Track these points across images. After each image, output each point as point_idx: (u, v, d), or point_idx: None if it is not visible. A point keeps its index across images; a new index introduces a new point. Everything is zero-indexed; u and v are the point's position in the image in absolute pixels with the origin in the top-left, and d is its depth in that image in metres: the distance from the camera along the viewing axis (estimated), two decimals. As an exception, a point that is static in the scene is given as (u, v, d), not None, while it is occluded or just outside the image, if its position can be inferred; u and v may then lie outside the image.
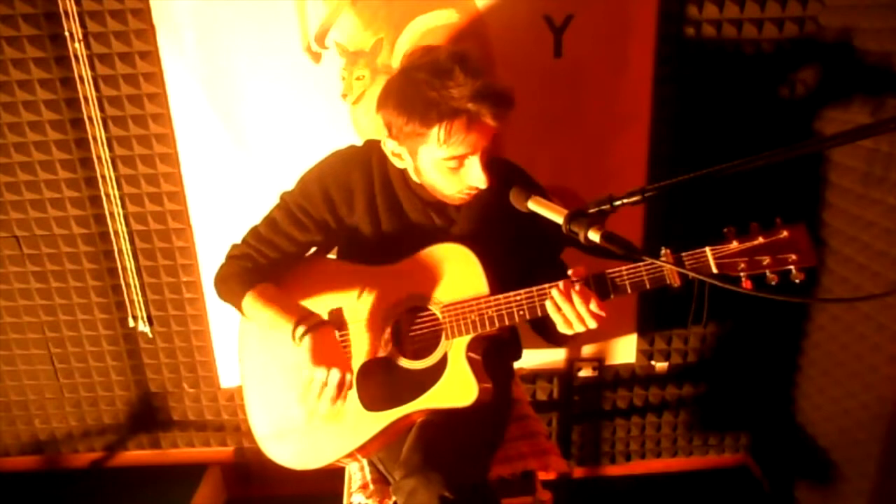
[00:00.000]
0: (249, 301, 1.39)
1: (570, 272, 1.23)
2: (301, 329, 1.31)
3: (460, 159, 1.25)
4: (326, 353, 1.30)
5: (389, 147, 1.33)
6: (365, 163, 1.41)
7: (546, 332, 1.42)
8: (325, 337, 1.32)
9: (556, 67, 1.83)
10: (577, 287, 1.20)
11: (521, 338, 1.69)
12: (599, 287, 1.22)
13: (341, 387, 1.29)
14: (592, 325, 1.20)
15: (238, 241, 1.47)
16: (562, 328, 1.23)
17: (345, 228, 1.44)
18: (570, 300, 1.20)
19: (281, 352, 1.46)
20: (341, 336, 1.43)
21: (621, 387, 2.29)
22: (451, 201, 1.36)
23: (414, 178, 1.37)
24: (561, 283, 1.22)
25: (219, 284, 1.46)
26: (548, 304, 1.23)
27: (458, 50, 1.25)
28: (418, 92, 1.21)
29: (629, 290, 1.21)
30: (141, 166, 1.95)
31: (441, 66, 1.21)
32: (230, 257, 1.46)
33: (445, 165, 1.26)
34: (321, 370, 1.27)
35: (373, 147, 1.44)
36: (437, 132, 1.20)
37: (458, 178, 1.29)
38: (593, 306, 1.19)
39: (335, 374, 1.27)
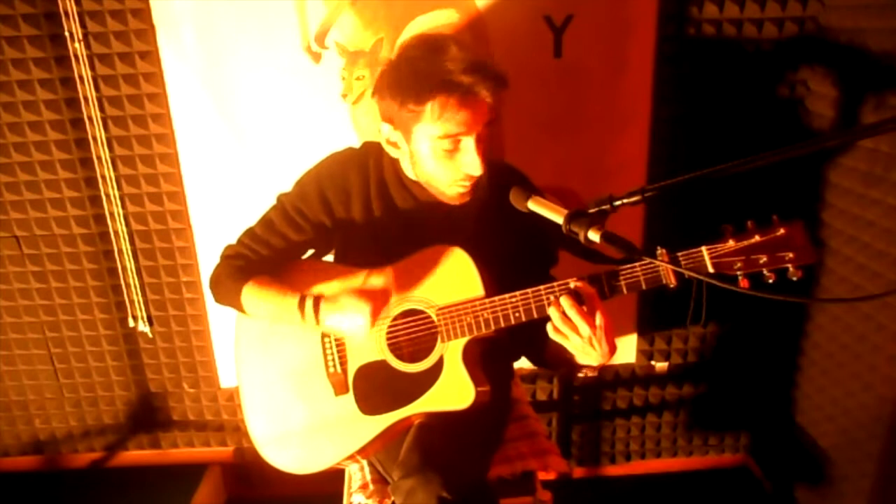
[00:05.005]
0: (247, 292, 1.39)
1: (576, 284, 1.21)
2: (309, 302, 1.33)
3: (455, 140, 1.23)
4: (350, 293, 1.32)
5: (385, 133, 1.32)
6: (362, 165, 1.41)
7: (539, 356, 1.43)
8: (332, 296, 1.34)
9: (556, 67, 1.82)
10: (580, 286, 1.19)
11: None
12: (596, 287, 1.21)
13: (388, 289, 1.36)
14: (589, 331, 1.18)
15: (233, 241, 1.47)
16: (553, 335, 1.21)
17: (341, 230, 1.43)
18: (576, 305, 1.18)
19: (279, 355, 1.46)
20: (337, 339, 1.43)
21: (621, 387, 2.29)
22: (450, 200, 1.34)
23: (408, 172, 1.36)
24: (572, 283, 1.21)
25: (214, 285, 1.46)
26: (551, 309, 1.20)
27: (451, 33, 1.26)
28: (412, 68, 1.21)
29: (625, 291, 1.20)
30: (141, 166, 1.96)
31: (435, 44, 1.23)
32: (224, 258, 1.46)
33: (440, 147, 1.24)
34: (364, 300, 1.29)
35: (370, 149, 1.44)
36: (430, 106, 1.20)
37: (454, 165, 1.27)
38: (598, 320, 1.17)
39: (376, 278, 1.34)
